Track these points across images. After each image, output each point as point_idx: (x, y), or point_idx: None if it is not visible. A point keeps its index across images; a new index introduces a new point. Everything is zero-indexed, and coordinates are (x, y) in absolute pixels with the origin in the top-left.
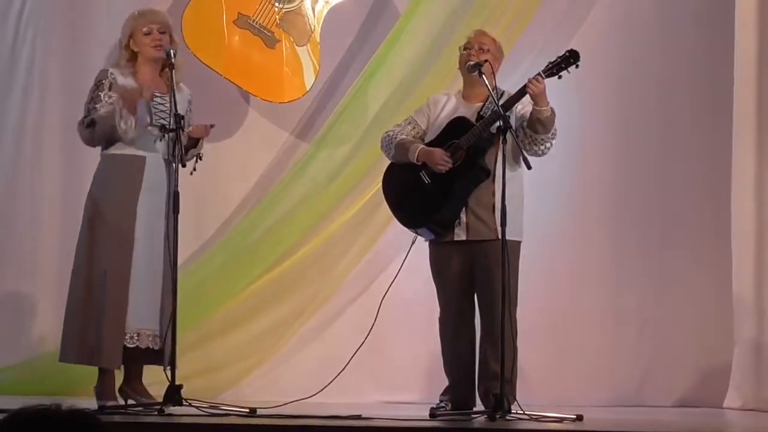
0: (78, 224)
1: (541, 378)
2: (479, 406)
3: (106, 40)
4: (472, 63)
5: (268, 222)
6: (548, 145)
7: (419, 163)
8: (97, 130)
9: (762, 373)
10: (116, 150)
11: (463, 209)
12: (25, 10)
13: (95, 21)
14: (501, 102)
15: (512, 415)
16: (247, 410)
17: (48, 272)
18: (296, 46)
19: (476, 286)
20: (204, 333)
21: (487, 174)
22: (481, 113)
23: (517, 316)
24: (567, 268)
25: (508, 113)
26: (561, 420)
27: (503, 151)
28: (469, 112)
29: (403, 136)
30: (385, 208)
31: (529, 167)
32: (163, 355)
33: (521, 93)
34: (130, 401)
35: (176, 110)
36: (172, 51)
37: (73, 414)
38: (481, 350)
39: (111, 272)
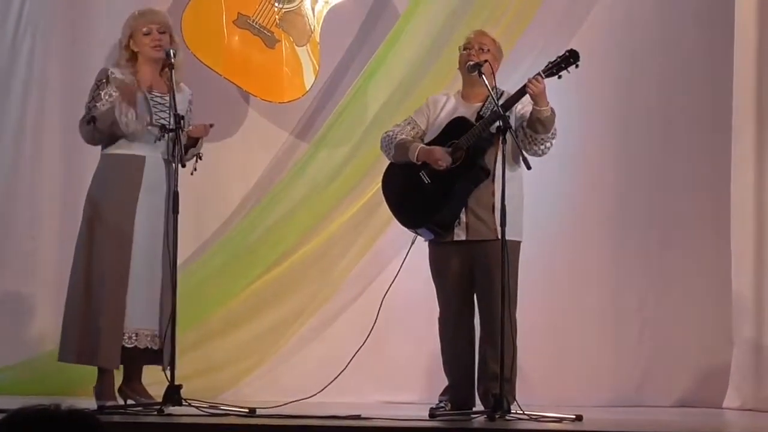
0: (78, 224)
1: (541, 378)
2: (479, 406)
3: (106, 40)
4: (471, 63)
5: (268, 222)
6: (548, 144)
7: (419, 163)
8: (98, 126)
9: (761, 373)
10: (116, 150)
11: (463, 209)
12: (25, 10)
13: (95, 21)
14: (500, 102)
15: (512, 415)
16: (247, 410)
17: (48, 272)
18: (296, 46)
19: (476, 286)
20: (204, 333)
21: (487, 174)
22: (481, 113)
23: (517, 316)
24: (567, 268)
25: (507, 113)
26: (560, 420)
27: (503, 151)
28: (468, 112)
29: (403, 136)
30: (385, 208)
31: (528, 167)
32: (163, 355)
33: (521, 93)
34: (130, 401)
35: (176, 110)
36: (171, 51)
37: (72, 414)
38: (480, 350)
39: (109, 272)
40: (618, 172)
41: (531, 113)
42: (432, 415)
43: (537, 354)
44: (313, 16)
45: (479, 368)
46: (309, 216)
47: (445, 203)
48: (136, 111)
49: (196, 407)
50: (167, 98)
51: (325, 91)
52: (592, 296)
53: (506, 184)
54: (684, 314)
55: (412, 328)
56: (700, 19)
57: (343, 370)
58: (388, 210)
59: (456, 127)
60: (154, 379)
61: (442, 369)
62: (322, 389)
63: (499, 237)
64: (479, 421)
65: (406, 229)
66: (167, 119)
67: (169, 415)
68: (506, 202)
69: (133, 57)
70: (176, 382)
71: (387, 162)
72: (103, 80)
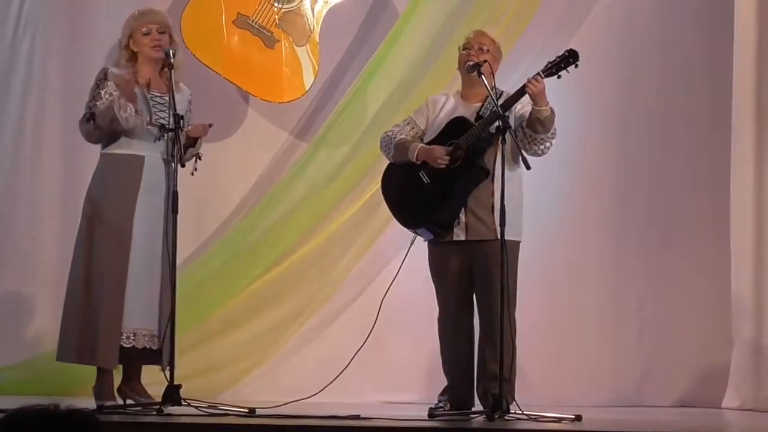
0: (78, 224)
1: (541, 378)
2: (478, 406)
3: (106, 40)
4: (471, 63)
5: (268, 222)
6: (548, 144)
7: (419, 162)
8: (97, 123)
9: (761, 373)
10: (115, 149)
11: (463, 209)
12: (24, 9)
13: (95, 21)
14: (500, 102)
15: (511, 415)
16: (246, 410)
17: (47, 272)
18: (295, 46)
19: (475, 286)
20: (203, 333)
21: (486, 174)
22: (480, 113)
23: (517, 316)
24: (566, 268)
25: (507, 113)
26: (560, 420)
27: (502, 151)
28: (468, 112)
29: (403, 136)
30: (385, 208)
31: (528, 167)
32: (162, 355)
33: (520, 93)
34: (129, 401)
35: (175, 110)
36: (171, 51)
37: (71, 414)
38: (480, 350)
39: (108, 271)
40: (617, 172)
41: (530, 113)
42: (431, 415)
43: (536, 354)
44: (313, 16)
45: (478, 368)
46: (308, 216)
47: (445, 203)
48: (135, 107)
49: (196, 407)
50: (167, 98)
51: (324, 91)
52: (592, 296)
53: (505, 184)
54: (683, 314)
55: (412, 328)
56: (699, 19)
57: (343, 371)
58: (388, 210)
59: (455, 127)
60: (153, 379)
61: (442, 369)
62: (322, 389)
63: (499, 237)
64: (478, 421)
65: (405, 229)
66: (167, 119)
67: (169, 414)
68: (506, 202)
69: (133, 57)
70: (175, 382)
71: (386, 162)
72: (102, 79)
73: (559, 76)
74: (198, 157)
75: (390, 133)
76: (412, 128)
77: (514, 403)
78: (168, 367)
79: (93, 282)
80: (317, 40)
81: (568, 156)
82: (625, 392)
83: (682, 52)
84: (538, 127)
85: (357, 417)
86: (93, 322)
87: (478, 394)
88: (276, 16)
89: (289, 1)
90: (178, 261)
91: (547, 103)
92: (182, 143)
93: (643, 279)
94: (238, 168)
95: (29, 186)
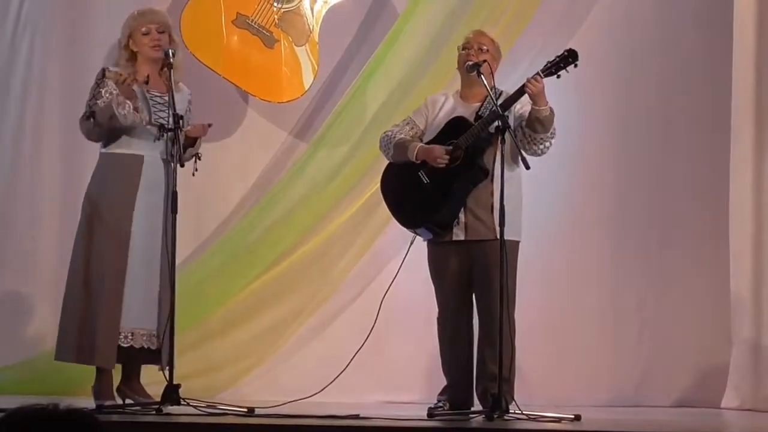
0: (77, 224)
1: (540, 378)
2: (477, 406)
3: (106, 40)
4: (470, 63)
5: (267, 222)
6: (547, 144)
7: (418, 162)
8: (97, 120)
9: (760, 373)
10: (115, 149)
11: (462, 209)
12: (24, 9)
13: (95, 21)
14: (499, 102)
15: (510, 415)
16: (245, 410)
17: (47, 272)
18: (295, 46)
19: (475, 286)
20: (203, 333)
21: (486, 174)
22: (480, 113)
23: (516, 316)
24: (566, 268)
25: (506, 113)
26: (559, 420)
27: (502, 151)
28: (467, 112)
29: (402, 136)
30: (384, 208)
31: (527, 167)
32: (161, 354)
33: (520, 93)
34: (128, 401)
35: (175, 110)
36: (170, 51)
37: (70, 413)
38: (479, 350)
39: (107, 271)
40: (617, 172)
41: (530, 113)
42: (430, 414)
43: (536, 354)
44: (312, 15)
45: (478, 368)
46: (308, 216)
47: (444, 203)
48: (134, 104)
49: (195, 407)
50: (166, 98)
51: (324, 91)
52: (591, 296)
53: (505, 184)
54: (683, 314)
55: (411, 328)
56: (699, 20)
57: (343, 371)
58: (387, 210)
59: (455, 127)
60: (152, 379)
61: (441, 369)
62: (322, 389)
63: (498, 237)
64: (478, 420)
65: (405, 228)
66: (166, 119)
67: (168, 414)
68: (505, 202)
69: (133, 57)
70: (175, 382)
71: (386, 162)
72: (102, 78)
73: (558, 76)
74: (197, 157)
75: (389, 133)
76: (412, 128)
77: (514, 402)
78: (167, 367)
79: (92, 281)
80: (316, 39)
81: (567, 156)
82: (625, 392)
83: (682, 52)
84: (537, 126)
85: (356, 417)
86: (91, 321)
87: (477, 394)
88: (275, 16)
89: (289, 1)
90: (178, 261)
91: (547, 102)
92: (181, 143)
93: (643, 279)
94: (237, 168)
95: (29, 186)
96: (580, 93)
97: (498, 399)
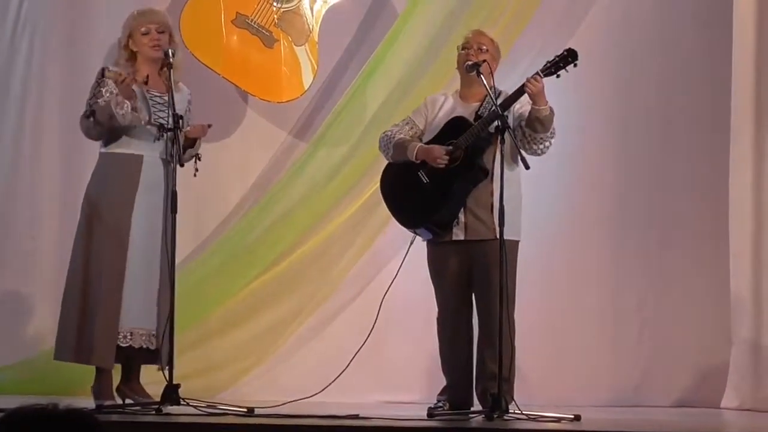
0: (77, 224)
1: (540, 378)
2: (477, 405)
3: (106, 40)
4: (470, 63)
5: (267, 222)
6: (547, 144)
7: (418, 162)
8: (97, 119)
9: (760, 373)
10: (115, 149)
11: (462, 209)
12: (23, 8)
13: (95, 21)
14: (499, 102)
15: (510, 414)
16: (245, 410)
17: (47, 272)
18: (294, 46)
19: (474, 286)
20: (202, 332)
21: (486, 174)
22: (479, 113)
23: (516, 316)
24: (566, 268)
25: (506, 113)
26: (559, 420)
27: (501, 150)
28: (466, 112)
29: (401, 136)
30: (384, 208)
31: (527, 167)
32: (160, 354)
33: (519, 92)
34: (128, 401)
35: (174, 109)
36: (170, 50)
37: (70, 413)
38: (478, 350)
39: (106, 271)
40: (617, 172)
41: (530, 112)
42: (430, 414)
43: (535, 354)
44: (312, 15)
45: (477, 368)
46: (308, 215)
47: (444, 203)
48: (133, 104)
49: (194, 407)
50: (166, 98)
51: (323, 91)
52: (591, 296)
53: (505, 184)
54: (683, 314)
55: (411, 328)
56: (698, 20)
57: (343, 371)
58: (387, 209)
59: (454, 127)
60: (152, 379)
61: (441, 369)
62: (323, 389)
63: (498, 237)
64: (477, 420)
65: (404, 228)
66: (166, 119)
67: (167, 414)
68: (505, 202)
69: (133, 56)
70: (174, 382)
71: (385, 161)
72: (102, 77)
73: (558, 76)
74: (197, 157)
75: (389, 133)
76: (411, 128)
77: (513, 402)
78: (167, 367)
79: (91, 281)
80: (316, 39)
81: (567, 156)
82: (625, 392)
83: (682, 52)
84: (537, 126)
85: (356, 417)
86: (90, 321)
87: (477, 394)
88: (275, 16)
89: (288, 1)
90: (177, 260)
91: (547, 102)
92: (181, 143)
93: (643, 279)
94: (237, 167)
95: (29, 186)
96: (579, 93)
97: (498, 399)
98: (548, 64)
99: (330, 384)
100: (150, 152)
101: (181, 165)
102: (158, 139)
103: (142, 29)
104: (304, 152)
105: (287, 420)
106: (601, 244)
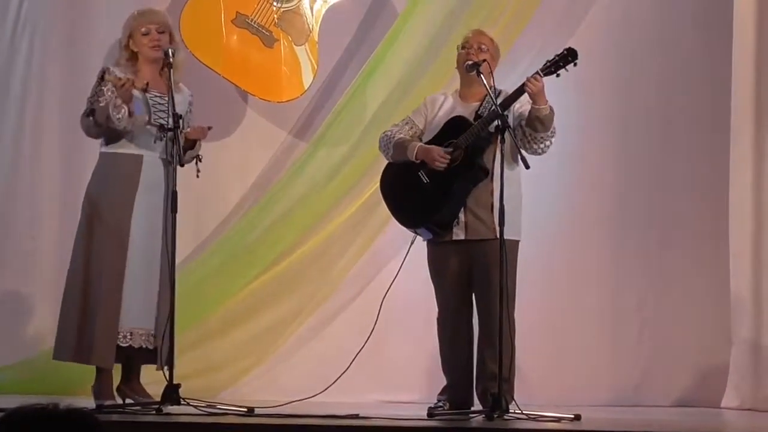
0: (77, 224)
1: (540, 378)
2: (477, 405)
3: (106, 40)
4: (470, 62)
5: (267, 221)
6: (548, 143)
7: (418, 161)
8: (96, 119)
9: (760, 372)
10: (115, 148)
11: (462, 209)
12: (23, 8)
13: (95, 21)
14: (499, 101)
15: (510, 414)
16: (245, 410)
17: (47, 272)
18: (294, 46)
19: (474, 286)
20: (202, 332)
21: (486, 173)
22: (479, 112)
23: (516, 316)
24: (566, 267)
25: (506, 112)
26: (559, 419)
27: (501, 150)
28: (466, 111)
29: (401, 135)
30: (384, 208)
31: (527, 166)
32: (159, 354)
33: (519, 92)
34: (128, 400)
35: (174, 109)
36: (170, 50)
37: (70, 413)
38: (479, 350)
39: (106, 271)
40: (617, 171)
41: (530, 112)
42: (430, 414)
43: (536, 354)
44: (312, 15)
45: (477, 368)
46: (307, 215)
47: (444, 203)
48: (130, 109)
49: (195, 406)
50: (167, 98)
51: (323, 91)
52: (591, 296)
53: (505, 184)
54: (683, 314)
55: (411, 327)
56: (698, 20)
57: (344, 372)
58: (387, 209)
59: (454, 127)
60: (152, 379)
61: (441, 368)
62: (324, 390)
63: (498, 236)
64: (477, 420)
65: (404, 228)
66: (166, 119)
67: (168, 414)
68: (505, 202)
69: (133, 57)
70: (175, 382)
71: (385, 161)
72: (103, 77)
73: (558, 75)
74: (198, 158)
75: (389, 133)
76: (411, 128)
77: (514, 402)
78: (165, 366)
79: (91, 281)
80: (316, 39)
81: (567, 155)
82: (625, 392)
83: (681, 53)
84: (537, 125)
85: (356, 416)
86: (90, 321)
87: (477, 394)
88: (275, 15)
89: (288, 0)
90: (177, 260)
91: (547, 101)
92: (181, 144)
93: (643, 279)
94: (237, 167)
95: (29, 186)
96: (579, 92)
97: (498, 399)
98: (548, 64)
99: (331, 385)
100: (150, 152)
101: (182, 165)
102: (159, 140)
103: (143, 29)
104: (304, 152)
105: (287, 420)
106: (601, 244)
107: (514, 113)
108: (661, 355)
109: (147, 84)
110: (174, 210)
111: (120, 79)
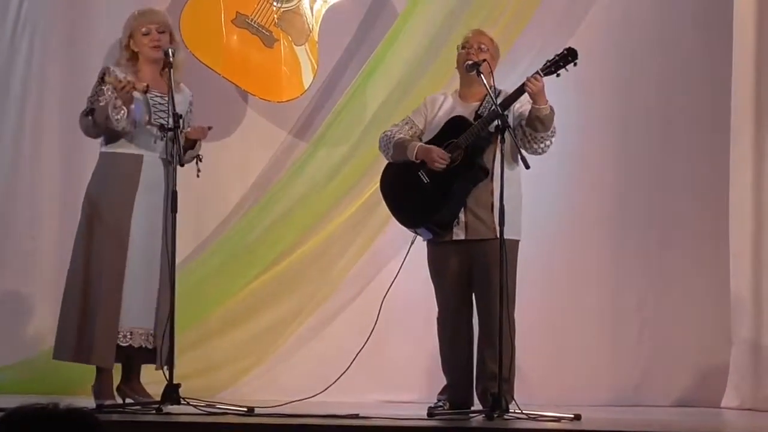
0: (77, 224)
1: (540, 378)
2: (477, 405)
3: (106, 40)
4: (470, 62)
5: (267, 221)
6: (548, 143)
7: (418, 161)
8: (95, 118)
9: (760, 372)
10: (115, 148)
11: (462, 209)
12: (23, 8)
13: (95, 21)
14: (499, 101)
15: (510, 414)
16: (245, 409)
17: (47, 272)
18: (294, 46)
19: (474, 286)
20: (202, 332)
21: (486, 173)
22: (479, 112)
23: (516, 316)
24: (566, 267)
25: (506, 112)
26: (559, 419)
27: (501, 150)
28: (466, 111)
29: (401, 135)
30: (384, 208)
31: (527, 166)
32: (158, 353)
33: (519, 92)
34: (128, 400)
35: (174, 109)
36: (170, 50)
37: (70, 413)
38: (479, 350)
39: (106, 270)
40: (617, 171)
41: (530, 111)
42: (430, 414)
43: (536, 353)
44: (312, 15)
45: (478, 368)
46: (308, 215)
47: (444, 203)
48: (129, 110)
49: (195, 406)
50: (167, 98)
51: (323, 90)
52: (591, 296)
53: (505, 184)
54: (683, 314)
55: (411, 327)
56: (698, 20)
57: (345, 371)
58: (387, 209)
59: (454, 126)
60: (152, 378)
61: (441, 368)
62: (324, 390)
63: (498, 236)
64: (477, 420)
65: (404, 228)
66: (166, 119)
67: (168, 413)
68: (505, 202)
69: (134, 57)
70: (175, 381)
71: (386, 161)
72: (104, 77)
73: (558, 75)
74: (199, 158)
75: (389, 133)
76: (411, 128)
77: (513, 402)
78: (165, 366)
79: (91, 280)
80: (316, 39)
81: (567, 155)
82: (625, 392)
83: (682, 53)
84: (537, 125)
85: (356, 416)
86: (90, 320)
87: (477, 394)
88: (275, 15)
89: (288, 0)
90: (177, 260)
91: (547, 101)
92: (181, 144)
93: (643, 279)
94: (237, 167)
95: (29, 186)
96: (579, 92)
97: (498, 398)
98: (548, 63)
99: (331, 384)
100: (150, 152)
101: (182, 165)
102: (159, 140)
103: (143, 29)
104: (304, 152)
105: (287, 419)
106: (601, 244)
107: (514, 113)
108: (661, 355)
109: (147, 86)
110: (174, 210)
111: (120, 81)
